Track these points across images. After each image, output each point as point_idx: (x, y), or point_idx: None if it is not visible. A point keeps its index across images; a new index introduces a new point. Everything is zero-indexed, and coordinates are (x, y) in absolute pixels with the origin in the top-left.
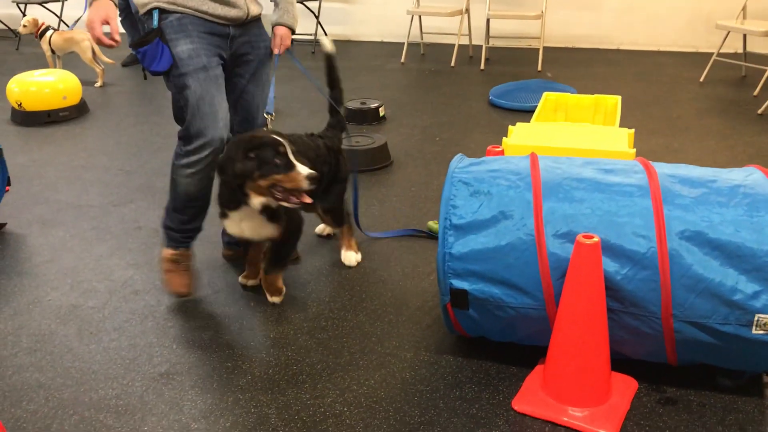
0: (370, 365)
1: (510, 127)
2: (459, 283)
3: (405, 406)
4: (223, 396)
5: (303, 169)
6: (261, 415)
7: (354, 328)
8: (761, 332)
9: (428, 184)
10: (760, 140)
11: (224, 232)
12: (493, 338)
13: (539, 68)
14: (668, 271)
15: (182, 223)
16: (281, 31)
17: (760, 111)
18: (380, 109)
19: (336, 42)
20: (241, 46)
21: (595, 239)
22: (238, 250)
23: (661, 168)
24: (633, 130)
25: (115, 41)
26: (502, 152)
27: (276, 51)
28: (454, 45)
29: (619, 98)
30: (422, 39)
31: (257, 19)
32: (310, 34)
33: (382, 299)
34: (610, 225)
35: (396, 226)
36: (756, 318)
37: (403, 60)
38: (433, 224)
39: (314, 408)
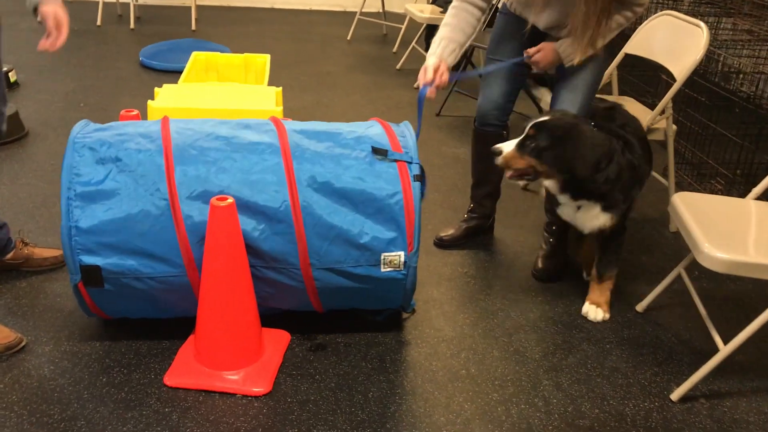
0: None
1: (156, 89)
2: (90, 259)
3: (42, 406)
4: None
5: None
6: None
7: None
8: (389, 269)
9: None
10: (397, 93)
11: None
12: (135, 316)
13: (193, 27)
14: (302, 222)
15: None
16: (56, 9)
17: (398, 66)
18: (11, 73)
19: None
20: None
21: (230, 200)
22: None
23: (291, 125)
24: (281, 89)
25: None
26: (137, 116)
27: (51, 41)
28: (98, 2)
29: (268, 57)
30: None
31: None
32: None
33: (15, 291)
34: (244, 183)
35: (31, 207)
36: (382, 257)
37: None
38: None
39: None
